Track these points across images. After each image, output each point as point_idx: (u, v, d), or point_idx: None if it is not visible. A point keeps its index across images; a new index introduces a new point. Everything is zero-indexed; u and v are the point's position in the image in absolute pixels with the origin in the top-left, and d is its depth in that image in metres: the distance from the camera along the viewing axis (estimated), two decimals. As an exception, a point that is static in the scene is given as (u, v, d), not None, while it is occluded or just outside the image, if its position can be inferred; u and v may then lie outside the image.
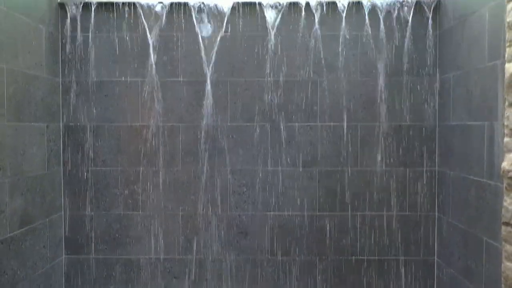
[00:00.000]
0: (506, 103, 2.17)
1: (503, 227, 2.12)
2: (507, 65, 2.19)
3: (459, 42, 2.78)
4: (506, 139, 2.11)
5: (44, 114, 2.93)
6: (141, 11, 3.15)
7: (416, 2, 3.10)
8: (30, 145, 2.73)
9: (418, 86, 3.13)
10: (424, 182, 3.15)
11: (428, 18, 3.11)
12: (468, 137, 2.63)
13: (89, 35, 3.17)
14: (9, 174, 2.48)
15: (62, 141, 3.17)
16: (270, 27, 3.15)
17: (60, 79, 3.17)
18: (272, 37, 3.15)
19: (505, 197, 2.09)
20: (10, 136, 2.49)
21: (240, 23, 3.16)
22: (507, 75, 2.17)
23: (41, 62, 2.90)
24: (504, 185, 2.07)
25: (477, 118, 2.51)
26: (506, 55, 2.20)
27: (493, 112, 2.33)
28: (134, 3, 3.15)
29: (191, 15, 3.15)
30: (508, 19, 2.19)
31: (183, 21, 3.16)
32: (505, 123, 2.11)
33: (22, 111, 2.64)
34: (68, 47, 3.16)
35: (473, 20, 2.57)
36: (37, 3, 2.86)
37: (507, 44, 2.21)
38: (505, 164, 2.10)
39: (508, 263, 2.04)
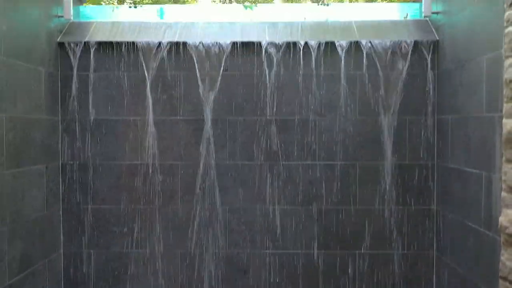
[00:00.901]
0: (504, 158, 2.18)
1: (501, 281, 2.12)
2: (504, 121, 2.20)
3: (457, 86, 2.78)
4: (503, 194, 2.12)
5: (44, 155, 2.94)
6: (140, 50, 3.16)
7: (415, 42, 3.11)
8: (29, 189, 2.74)
9: (417, 125, 3.14)
10: (423, 221, 3.15)
11: (426, 58, 3.11)
12: (466, 183, 2.64)
13: (88, 74, 3.18)
14: (8, 221, 2.48)
15: (61, 180, 3.17)
16: (269, 66, 3.16)
17: (60, 118, 3.18)
18: (271, 76, 3.16)
19: (503, 251, 2.09)
20: (9, 184, 2.50)
21: (240, 62, 3.17)
22: (504, 131, 2.18)
23: (41, 104, 2.91)
24: (502, 240, 2.08)
25: (476, 165, 2.51)
26: (503, 111, 2.21)
27: (491, 163, 2.34)
28: (133, 43, 3.16)
29: (190, 54, 3.16)
30: (506, 76, 2.20)
31: (182, 60, 3.17)
32: (503, 178, 2.12)
33: (22, 156, 2.65)
34: (67, 86, 3.17)
35: (471, 67, 2.58)
36: (36, 45, 2.87)
37: (505, 100, 2.21)
38: (502, 219, 2.10)
39: (506, 322, 2.04)
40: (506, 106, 2.20)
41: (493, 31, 2.35)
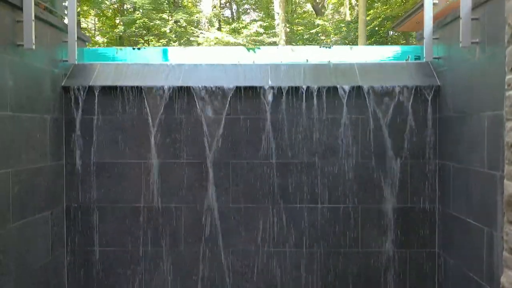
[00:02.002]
0: (506, 219, 2.21)
1: None
2: (506, 182, 2.23)
3: (459, 135, 2.81)
4: (505, 254, 2.14)
5: (48, 201, 2.96)
6: (144, 94, 3.19)
7: (416, 86, 3.14)
8: (35, 238, 2.76)
9: (419, 169, 3.16)
10: (424, 264, 3.17)
11: (427, 102, 3.14)
12: (468, 234, 2.66)
13: (92, 118, 3.20)
14: (13, 272, 2.51)
15: (66, 224, 3.19)
16: (272, 110, 3.18)
17: (64, 161, 3.20)
18: (274, 119, 3.19)
19: (506, 311, 2.12)
20: (15, 237, 2.52)
21: (243, 106, 3.20)
22: (506, 193, 2.20)
23: (45, 151, 2.94)
24: (504, 301, 2.10)
25: (477, 219, 2.54)
26: (505, 172, 2.24)
27: (493, 219, 2.37)
28: (137, 87, 3.18)
29: (194, 98, 3.19)
30: (507, 139, 2.23)
31: (185, 103, 3.20)
32: (505, 238, 2.14)
33: (27, 207, 2.67)
34: (72, 129, 3.19)
35: (472, 121, 2.60)
36: (41, 93, 2.90)
37: (506, 161, 2.24)
38: (504, 281, 2.13)
39: None
40: (507, 169, 2.23)
41: (493, 89, 2.38)
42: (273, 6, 24.16)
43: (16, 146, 2.57)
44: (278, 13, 22.29)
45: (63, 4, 3.22)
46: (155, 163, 3.20)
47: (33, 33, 2.60)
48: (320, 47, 3.41)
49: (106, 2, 27.58)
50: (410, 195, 3.17)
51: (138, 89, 3.19)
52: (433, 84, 3.13)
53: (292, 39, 28.02)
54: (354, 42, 25.41)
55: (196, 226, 3.22)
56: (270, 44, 24.87)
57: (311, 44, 28.22)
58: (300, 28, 29.09)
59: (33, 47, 2.62)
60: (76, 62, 3.21)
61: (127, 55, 3.44)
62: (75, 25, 3.14)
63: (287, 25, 25.31)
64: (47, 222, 2.94)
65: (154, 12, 24.40)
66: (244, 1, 30.76)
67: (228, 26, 27.74)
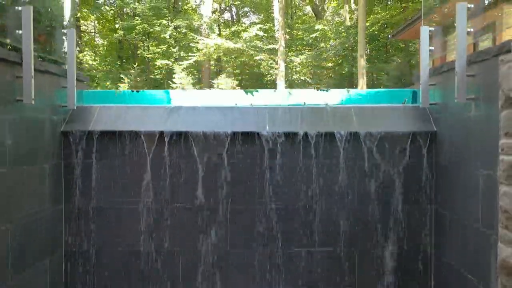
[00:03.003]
0: (499, 281, 2.24)
1: None
2: (500, 245, 2.26)
3: (454, 187, 2.84)
4: (499, 318, 2.17)
5: (48, 248, 2.99)
6: (143, 139, 3.21)
7: (413, 132, 3.16)
8: (34, 288, 2.79)
9: (415, 215, 3.19)
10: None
11: (423, 148, 3.16)
12: (463, 286, 2.69)
13: (92, 162, 3.23)
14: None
15: (65, 269, 3.22)
16: (269, 155, 3.21)
17: (63, 206, 3.23)
18: (272, 164, 3.21)
19: None
20: (15, 291, 2.55)
21: (240, 150, 3.22)
22: (500, 257, 2.23)
23: (44, 198, 2.97)
24: None
25: (473, 273, 2.57)
26: (499, 235, 2.27)
27: (488, 278, 2.39)
28: (136, 132, 3.21)
29: (192, 143, 3.21)
30: (501, 203, 2.26)
31: (184, 148, 3.23)
32: (499, 301, 2.17)
33: (26, 257, 2.70)
34: (71, 174, 3.22)
35: (467, 177, 2.63)
36: (41, 143, 2.93)
37: (500, 224, 2.27)
38: None
39: None
40: (501, 232, 2.26)
41: (488, 149, 2.40)
42: (273, 9, 24.16)
43: (16, 199, 2.60)
44: (277, 19, 22.33)
45: (63, 49, 3.24)
46: (153, 207, 3.23)
47: (32, 89, 2.62)
48: (318, 90, 3.43)
49: (106, 7, 27.66)
50: (406, 240, 3.19)
51: (137, 134, 3.21)
52: (429, 130, 3.16)
53: (291, 44, 28.07)
54: (353, 47, 25.43)
55: (195, 269, 3.24)
56: (269, 50, 24.93)
57: (310, 50, 28.28)
58: (299, 33, 29.12)
59: (33, 102, 2.64)
60: (75, 107, 3.23)
61: (126, 97, 3.47)
62: (74, 71, 3.15)
63: (287, 30, 25.33)
64: (46, 271, 2.96)
65: (154, 17, 24.43)
66: (243, 4, 30.82)
67: (228, 29, 27.78)
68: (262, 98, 3.46)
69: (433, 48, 3.18)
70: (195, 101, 3.43)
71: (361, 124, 3.23)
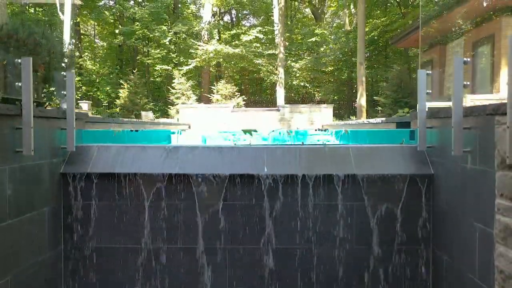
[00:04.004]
0: None
1: None
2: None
3: (451, 233, 2.85)
4: None
5: (46, 292, 3.00)
6: (141, 180, 3.23)
7: (411, 175, 3.18)
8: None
9: (413, 257, 3.20)
10: None
11: (421, 191, 3.18)
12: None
13: (90, 203, 3.24)
14: None
15: (64, 312, 3.24)
16: (268, 197, 3.22)
17: (62, 247, 3.24)
18: (270, 206, 3.23)
19: None
20: None
21: (239, 192, 3.24)
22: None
23: (44, 244, 2.98)
24: None
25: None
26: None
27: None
28: (134, 174, 3.22)
29: (190, 185, 3.23)
30: (497, 263, 2.28)
31: (182, 190, 3.24)
32: None
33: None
34: (69, 215, 3.23)
35: (464, 229, 2.64)
36: (40, 188, 2.94)
37: (497, 283, 2.29)
38: None
39: None
40: (497, 276, 2.28)
41: (484, 205, 2.41)
42: (273, 11, 24.14)
43: (15, 249, 2.62)
44: (277, 23, 22.31)
45: (62, 92, 3.26)
46: (151, 248, 3.24)
47: (32, 141, 2.64)
48: (316, 130, 3.44)
49: (106, 12, 27.65)
50: (404, 281, 3.20)
51: (135, 176, 3.23)
52: (427, 173, 3.17)
53: (291, 48, 28.06)
54: (353, 51, 25.42)
55: (193, 310, 3.25)
56: (269, 55, 24.92)
57: (310, 54, 28.27)
58: (299, 37, 29.13)
59: (32, 153, 2.66)
60: (75, 149, 3.24)
61: (125, 136, 3.48)
62: (73, 113, 3.17)
63: (286, 34, 25.31)
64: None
65: (154, 22, 24.43)
66: (243, 8, 30.80)
67: (228, 32, 27.78)
68: (260, 138, 3.47)
69: (430, 91, 3.19)
70: (194, 138, 3.45)
71: (359, 165, 3.25)
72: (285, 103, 22.02)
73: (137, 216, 3.26)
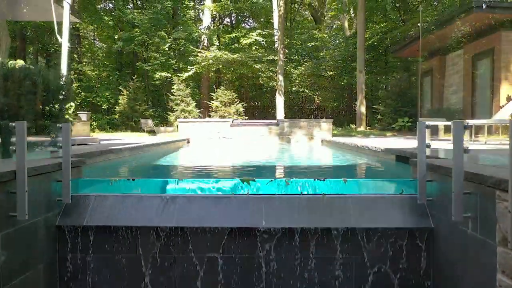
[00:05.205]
0: None
1: None
2: None
3: (452, 294, 2.82)
4: None
5: None
6: (138, 234, 3.19)
7: (410, 229, 3.14)
8: None
9: (412, 311, 3.16)
10: None
11: (421, 245, 3.15)
12: None
13: (86, 257, 3.20)
14: None
15: None
16: (266, 250, 3.18)
17: (58, 301, 3.20)
18: (268, 259, 3.19)
19: None
20: None
21: (236, 245, 3.20)
22: None
23: (39, 302, 2.94)
24: None
25: None
26: None
27: None
28: (131, 227, 3.19)
29: (187, 238, 3.19)
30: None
31: (179, 243, 3.20)
32: None
33: None
34: (65, 269, 3.19)
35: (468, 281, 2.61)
36: (36, 244, 2.90)
37: None
38: None
39: None
40: None
41: (484, 273, 2.38)
42: (272, 15, 24.05)
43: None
44: (276, 30, 22.24)
45: (57, 139, 3.22)
46: (149, 301, 3.21)
47: (26, 205, 2.60)
48: (314, 180, 3.40)
49: (105, 18, 27.60)
50: (403, 337, 3.17)
51: (132, 229, 3.19)
52: (427, 226, 3.14)
53: (290, 55, 28.02)
54: (353, 56, 25.38)
55: None
56: (268, 60, 24.88)
57: (309, 59, 28.23)
58: (299, 42, 29.06)
59: (27, 217, 2.62)
60: (70, 201, 3.21)
61: (122, 185, 3.44)
62: (69, 166, 3.13)
63: (286, 40, 25.24)
64: None
65: (153, 27, 24.35)
66: (242, 13, 30.73)
67: (228, 35, 27.71)
68: (259, 187, 3.43)
69: (430, 143, 3.16)
70: (192, 186, 3.41)
71: (358, 216, 3.21)
72: (285, 108, 22.01)
73: (134, 270, 3.21)
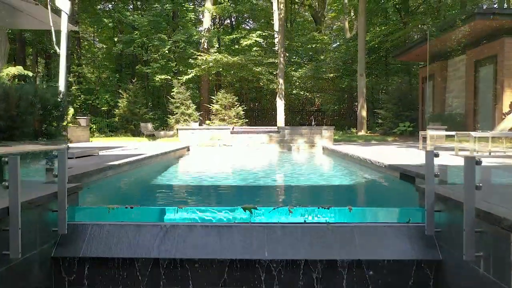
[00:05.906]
0: None
1: None
2: None
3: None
4: None
5: None
6: (136, 265, 3.09)
7: (418, 261, 3.04)
8: None
9: None
10: None
11: (429, 276, 3.04)
12: None
13: (83, 289, 3.10)
14: None
15: None
16: (268, 283, 3.08)
17: (54, 334, 3.10)
18: (270, 292, 3.09)
19: None
20: None
21: (238, 276, 3.09)
22: None
23: None
24: None
25: None
26: None
27: None
28: (128, 259, 3.08)
29: (187, 269, 3.08)
30: None
31: (179, 275, 3.10)
32: None
33: None
34: (62, 302, 3.09)
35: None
36: (29, 276, 2.80)
37: None
38: None
39: None
40: None
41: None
42: (273, 16, 23.88)
43: None
44: (277, 32, 22.10)
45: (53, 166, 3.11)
46: (148, 335, 3.10)
47: (19, 243, 2.50)
48: (318, 208, 3.30)
49: (105, 20, 27.48)
50: None
51: (129, 261, 3.09)
52: (435, 258, 3.03)
53: (291, 57, 27.90)
54: (353, 58, 25.26)
55: None
56: (269, 63, 24.74)
57: (309, 63, 28.10)
58: (299, 44, 28.93)
59: (20, 256, 2.52)
60: (66, 231, 3.10)
61: (119, 213, 3.34)
62: (65, 195, 3.03)
63: (286, 42, 25.10)
64: None
65: (153, 30, 24.22)
66: (242, 14, 30.60)
67: (228, 36, 27.55)
68: (261, 216, 3.33)
69: (439, 173, 3.06)
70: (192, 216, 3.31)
71: (364, 247, 3.11)
72: (285, 111, 21.88)
73: (132, 302, 3.11)
